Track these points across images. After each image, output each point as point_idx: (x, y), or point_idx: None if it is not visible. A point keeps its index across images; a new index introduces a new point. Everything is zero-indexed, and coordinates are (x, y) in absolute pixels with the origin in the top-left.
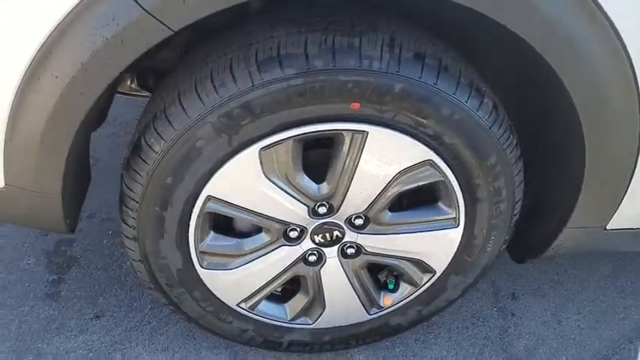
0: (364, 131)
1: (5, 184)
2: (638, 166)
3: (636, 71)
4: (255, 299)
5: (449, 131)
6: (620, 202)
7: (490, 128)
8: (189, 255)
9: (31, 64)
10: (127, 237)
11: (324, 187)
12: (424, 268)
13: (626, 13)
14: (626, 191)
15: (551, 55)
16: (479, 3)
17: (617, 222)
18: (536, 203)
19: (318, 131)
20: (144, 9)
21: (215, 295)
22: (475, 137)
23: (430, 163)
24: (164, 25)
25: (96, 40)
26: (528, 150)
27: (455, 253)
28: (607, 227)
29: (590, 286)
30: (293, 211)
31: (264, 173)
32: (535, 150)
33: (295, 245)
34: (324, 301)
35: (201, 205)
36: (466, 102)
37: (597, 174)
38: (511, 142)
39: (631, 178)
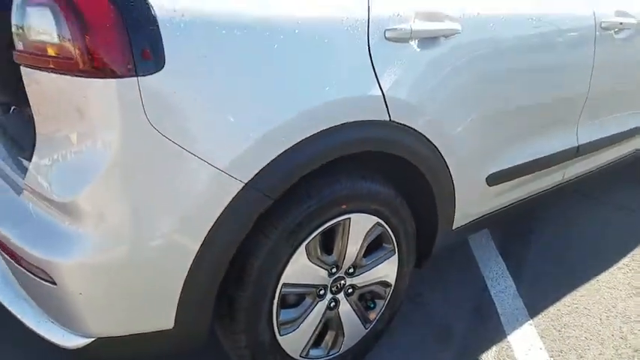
0: (349, 217)
1: (175, 324)
2: (456, 197)
3: (446, 161)
4: (307, 347)
5: (382, 206)
6: (454, 215)
7: (395, 200)
8: (273, 328)
9: (201, 246)
10: (236, 333)
11: (334, 256)
12: (385, 284)
13: (444, 142)
14: (454, 209)
15: (417, 162)
16: (400, 151)
17: (455, 223)
18: (421, 229)
19: (330, 225)
20: (265, 195)
21: (288, 354)
22: (391, 205)
23: (378, 223)
24: (271, 199)
25: (235, 228)
26: (412, 202)
27: (397, 269)
28: (453, 228)
29: (452, 264)
30: (322, 277)
31: (308, 258)
32: (414, 201)
33: (323, 299)
34: (343, 331)
35: (279, 290)
36: (384, 191)
37: (432, 207)
38: (403, 202)
39: (454, 204)
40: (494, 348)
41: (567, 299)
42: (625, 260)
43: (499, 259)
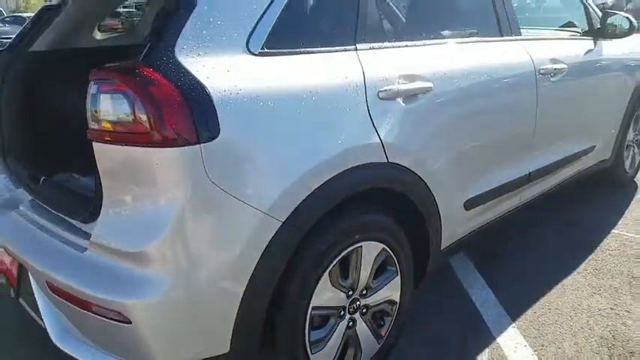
0: (361, 245)
1: (230, 348)
2: (442, 222)
3: (432, 191)
4: None
5: (386, 234)
6: (442, 237)
7: (395, 228)
8: (306, 348)
9: (250, 278)
10: (276, 354)
11: (350, 280)
12: (392, 302)
13: (429, 176)
14: (442, 232)
15: (410, 194)
16: (396, 185)
17: (443, 244)
18: (417, 252)
19: (347, 252)
20: (297, 230)
21: None
22: (393, 233)
23: (384, 249)
24: (302, 233)
25: (276, 260)
26: (408, 229)
27: (400, 288)
28: (442, 248)
29: (439, 285)
30: (342, 299)
31: (330, 283)
32: (409, 228)
33: (344, 320)
34: (361, 347)
35: (310, 313)
36: (387, 221)
37: (424, 232)
38: (401, 229)
39: (441, 227)
40: (486, 350)
41: (540, 303)
42: (582, 265)
43: (478, 275)
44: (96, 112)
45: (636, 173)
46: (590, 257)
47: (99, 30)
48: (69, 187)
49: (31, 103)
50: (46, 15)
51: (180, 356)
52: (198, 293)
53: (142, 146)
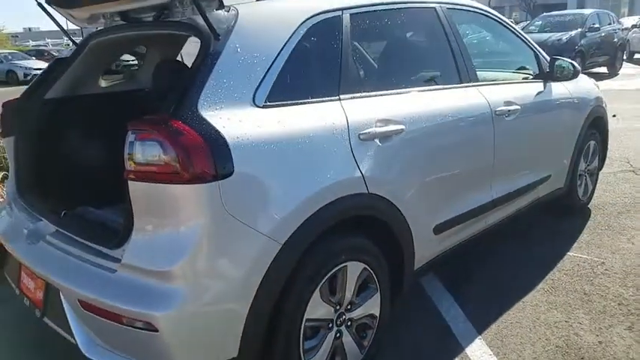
0: (346, 265)
1: (239, 352)
2: (414, 245)
3: (406, 218)
4: None
5: (367, 255)
6: (415, 258)
7: (374, 249)
8: (301, 356)
9: (256, 293)
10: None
11: (338, 296)
12: (373, 316)
13: (403, 204)
14: (414, 254)
15: (387, 220)
16: (376, 213)
17: (416, 265)
18: (393, 272)
19: (334, 271)
20: (295, 251)
21: None
22: (373, 254)
23: (365, 268)
24: (298, 254)
25: (277, 277)
26: (385, 250)
27: (380, 303)
28: (415, 269)
29: (412, 304)
30: (330, 312)
31: (321, 298)
32: (386, 250)
33: (332, 331)
34: (347, 357)
35: (303, 325)
36: (368, 244)
37: (399, 254)
38: (379, 251)
39: (414, 250)
40: (456, 359)
41: (503, 317)
42: (540, 284)
43: (447, 294)
44: (132, 156)
45: (589, 200)
46: (547, 277)
47: (102, 78)
48: (90, 219)
49: (45, 144)
50: (58, 66)
51: None
52: (214, 306)
53: (172, 184)
